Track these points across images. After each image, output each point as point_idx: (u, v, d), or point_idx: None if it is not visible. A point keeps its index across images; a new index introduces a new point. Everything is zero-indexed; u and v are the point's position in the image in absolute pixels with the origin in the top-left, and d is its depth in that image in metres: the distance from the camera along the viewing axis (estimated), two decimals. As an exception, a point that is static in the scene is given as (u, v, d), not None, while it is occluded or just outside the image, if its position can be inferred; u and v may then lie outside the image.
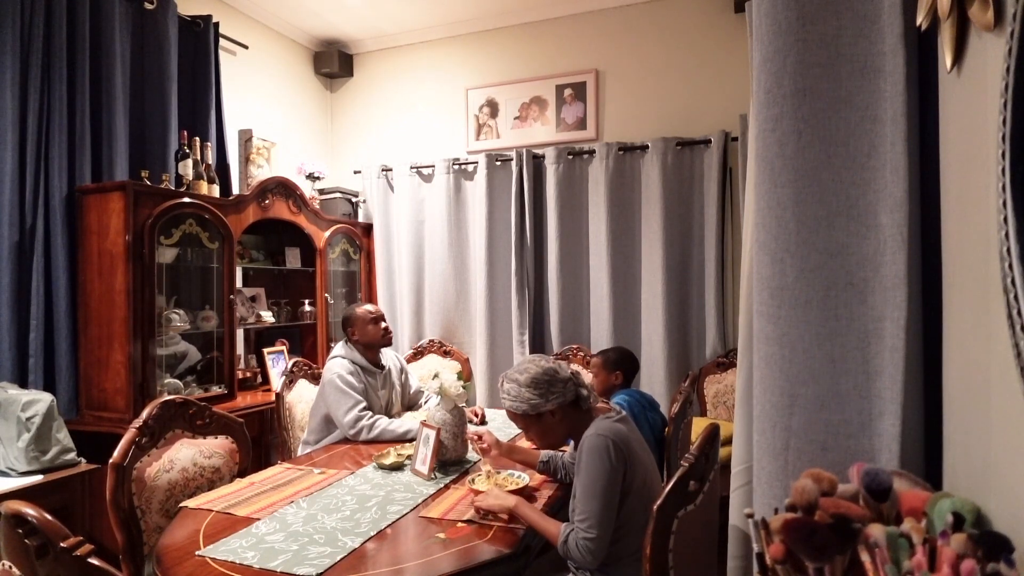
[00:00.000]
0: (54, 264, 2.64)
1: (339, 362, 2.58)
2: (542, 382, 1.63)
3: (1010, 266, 0.73)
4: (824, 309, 1.12)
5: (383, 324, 2.72)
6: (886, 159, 1.09)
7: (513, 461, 2.05)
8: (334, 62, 4.41)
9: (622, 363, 2.61)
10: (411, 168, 4.24)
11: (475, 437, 2.08)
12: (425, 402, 2.88)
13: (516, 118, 4.11)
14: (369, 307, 2.74)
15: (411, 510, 1.73)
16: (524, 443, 2.23)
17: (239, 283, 3.42)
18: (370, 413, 2.52)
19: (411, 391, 2.92)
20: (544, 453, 1.99)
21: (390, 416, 2.68)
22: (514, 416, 1.71)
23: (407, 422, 2.53)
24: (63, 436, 2.30)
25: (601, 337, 3.76)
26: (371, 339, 2.69)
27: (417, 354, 4.15)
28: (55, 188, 2.65)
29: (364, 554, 1.46)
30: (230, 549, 1.47)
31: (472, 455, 2.21)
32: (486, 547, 1.50)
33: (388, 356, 2.84)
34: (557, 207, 3.85)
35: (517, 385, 1.65)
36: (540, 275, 3.96)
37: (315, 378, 2.95)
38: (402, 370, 2.90)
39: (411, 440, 2.38)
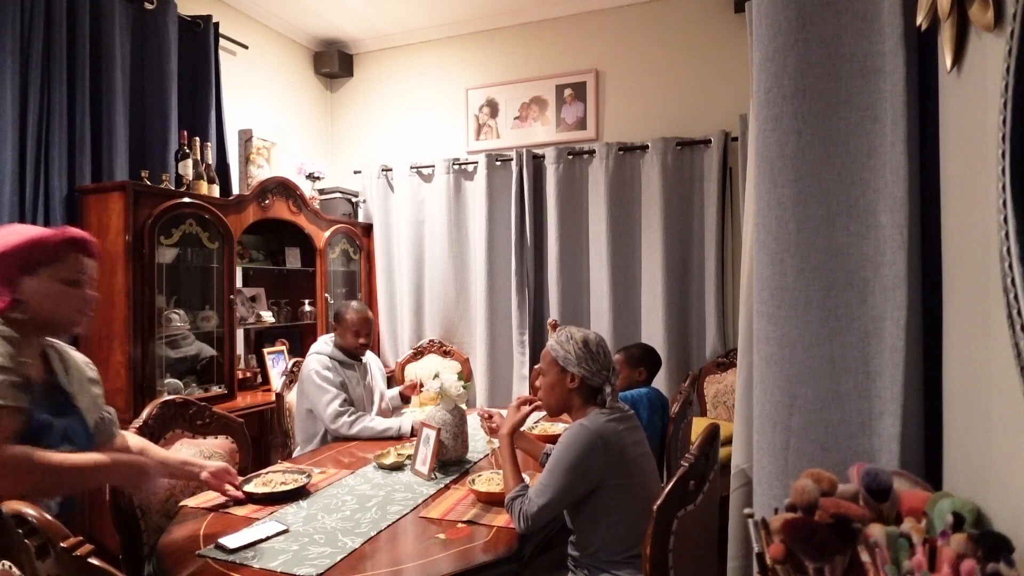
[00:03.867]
0: (54, 264, 2.64)
1: (315, 358, 2.62)
2: (588, 348, 1.68)
3: (1010, 266, 0.73)
4: (824, 309, 1.12)
5: (360, 339, 2.72)
6: (886, 159, 1.09)
7: (518, 448, 2.07)
8: (334, 62, 4.41)
9: (645, 360, 2.54)
10: (411, 168, 4.24)
11: (486, 415, 2.11)
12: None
13: (516, 118, 4.11)
14: (356, 314, 2.71)
15: (411, 510, 1.73)
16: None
17: (239, 283, 3.42)
18: (352, 408, 2.55)
19: (388, 397, 2.93)
20: (549, 447, 2.01)
21: (373, 411, 2.72)
22: (545, 356, 1.75)
23: (387, 421, 2.56)
24: (63, 436, 2.30)
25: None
26: (348, 345, 2.72)
27: (417, 354, 4.16)
28: (55, 188, 2.65)
29: (364, 554, 1.46)
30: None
31: (472, 455, 2.22)
32: (486, 548, 1.50)
33: (369, 356, 2.87)
34: (557, 207, 3.85)
35: (571, 336, 1.71)
36: (540, 275, 3.96)
37: (315, 378, 2.95)
38: (382, 374, 2.93)
39: (392, 439, 2.46)
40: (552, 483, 1.54)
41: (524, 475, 1.78)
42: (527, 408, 1.81)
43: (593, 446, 1.54)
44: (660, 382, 3.57)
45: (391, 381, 3.07)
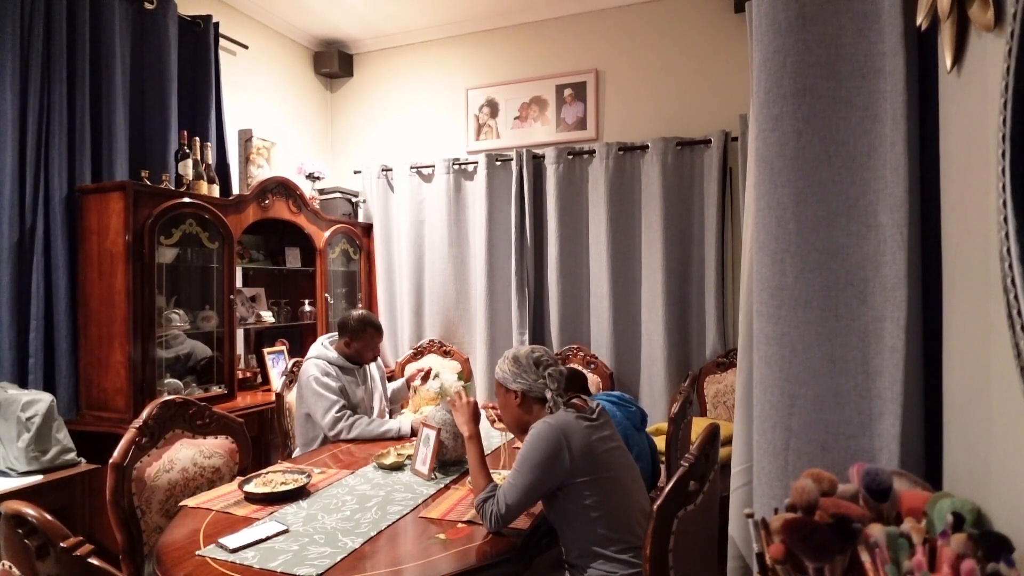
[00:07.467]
0: (54, 264, 2.64)
1: (314, 363, 2.60)
2: (519, 363, 1.73)
3: (1010, 266, 0.73)
4: (824, 309, 1.12)
5: (372, 354, 2.75)
6: (886, 159, 1.09)
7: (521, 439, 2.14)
8: (334, 62, 4.41)
9: (569, 382, 2.55)
10: (411, 168, 4.24)
11: (491, 407, 2.12)
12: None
13: (516, 118, 4.11)
14: (377, 336, 2.72)
15: (411, 510, 1.73)
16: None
17: (239, 283, 3.42)
18: (348, 413, 2.53)
19: (390, 391, 2.93)
20: None
21: (373, 414, 2.70)
22: (495, 382, 1.81)
23: (386, 422, 2.56)
24: (63, 436, 2.30)
25: (601, 337, 3.76)
26: (359, 358, 2.71)
27: (417, 354, 4.15)
28: (55, 188, 2.65)
29: (364, 554, 1.46)
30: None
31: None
32: (486, 548, 1.50)
33: None
34: (557, 207, 3.85)
35: (506, 356, 1.78)
36: (540, 275, 3.96)
37: (315, 378, 2.95)
38: (381, 374, 2.92)
39: (390, 440, 2.47)
40: (520, 482, 1.55)
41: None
42: (463, 399, 1.87)
43: (556, 441, 1.56)
44: (660, 382, 3.58)
45: (390, 381, 3.07)
